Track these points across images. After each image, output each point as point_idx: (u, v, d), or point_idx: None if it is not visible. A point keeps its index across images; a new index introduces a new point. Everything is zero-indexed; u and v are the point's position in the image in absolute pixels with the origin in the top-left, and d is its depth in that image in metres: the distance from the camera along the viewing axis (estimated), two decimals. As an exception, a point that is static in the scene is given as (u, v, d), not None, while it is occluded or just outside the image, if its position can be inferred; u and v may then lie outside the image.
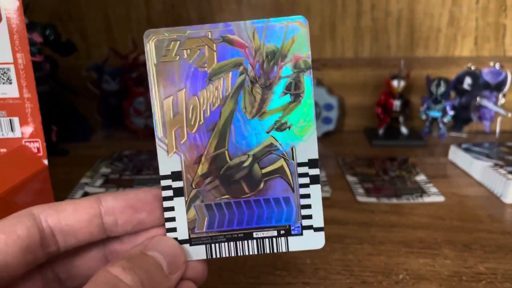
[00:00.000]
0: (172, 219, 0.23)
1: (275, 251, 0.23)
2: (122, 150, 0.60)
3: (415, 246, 0.36)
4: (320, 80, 0.68)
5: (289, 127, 0.23)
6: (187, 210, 0.23)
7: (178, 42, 0.22)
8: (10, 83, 0.36)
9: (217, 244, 0.23)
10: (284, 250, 0.23)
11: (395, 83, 0.64)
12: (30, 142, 0.37)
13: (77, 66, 0.67)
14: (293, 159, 0.23)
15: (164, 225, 0.23)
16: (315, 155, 0.23)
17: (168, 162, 0.23)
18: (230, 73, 0.23)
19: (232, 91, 0.23)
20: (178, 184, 0.23)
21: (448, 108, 0.64)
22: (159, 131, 0.23)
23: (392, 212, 0.42)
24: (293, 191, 0.23)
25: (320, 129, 0.67)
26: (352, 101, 0.71)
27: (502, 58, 0.68)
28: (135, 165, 0.54)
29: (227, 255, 0.23)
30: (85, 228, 0.21)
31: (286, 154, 0.23)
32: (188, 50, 0.22)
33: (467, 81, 0.66)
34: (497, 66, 0.65)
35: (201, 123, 0.23)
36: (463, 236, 0.37)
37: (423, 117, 0.66)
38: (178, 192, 0.23)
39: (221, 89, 0.23)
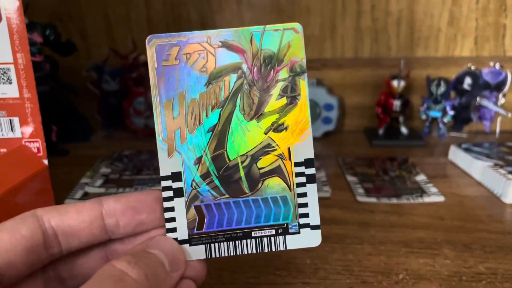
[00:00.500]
0: (172, 219, 0.23)
1: (273, 249, 0.24)
2: (122, 150, 0.60)
3: (415, 246, 0.36)
4: (320, 80, 0.68)
5: (285, 128, 0.24)
6: (187, 210, 0.23)
7: (179, 47, 0.23)
8: (10, 83, 0.36)
9: (216, 244, 0.24)
10: (282, 248, 0.24)
11: (395, 83, 0.64)
12: (30, 142, 0.37)
13: (77, 66, 0.67)
14: (290, 159, 0.24)
15: (164, 226, 0.23)
16: (311, 154, 0.24)
17: (168, 163, 0.23)
18: (229, 77, 0.23)
19: (231, 94, 0.23)
20: (178, 184, 0.23)
21: (448, 108, 0.64)
22: (159, 133, 0.23)
23: (392, 212, 0.42)
24: (290, 190, 0.24)
25: (320, 129, 0.67)
26: (352, 101, 0.71)
27: (502, 58, 0.68)
28: (135, 165, 0.54)
29: (226, 255, 0.24)
30: (87, 230, 0.22)
31: (283, 154, 0.24)
32: (188, 54, 0.23)
33: (467, 81, 0.66)
34: (497, 66, 0.65)
35: (200, 125, 0.23)
36: (463, 236, 0.37)
37: (423, 117, 0.66)
38: (178, 193, 0.23)
39: (220, 92, 0.23)
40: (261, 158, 0.24)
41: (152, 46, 0.23)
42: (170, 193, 0.23)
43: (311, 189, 0.24)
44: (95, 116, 0.69)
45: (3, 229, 0.20)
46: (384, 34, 0.69)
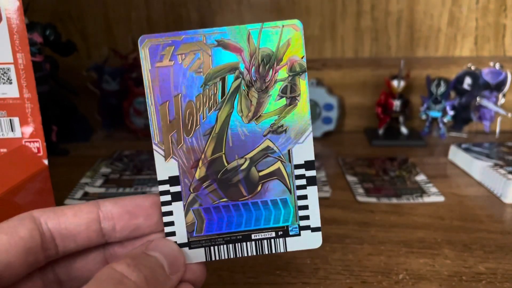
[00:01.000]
0: (171, 223, 0.23)
1: (273, 251, 0.24)
2: (122, 150, 0.60)
3: (415, 246, 0.36)
4: (320, 80, 0.68)
5: (285, 130, 0.23)
6: (186, 214, 0.23)
7: (173, 47, 0.22)
8: (10, 83, 0.36)
9: (216, 247, 0.23)
10: (282, 250, 0.24)
11: (395, 83, 0.64)
12: (30, 142, 0.37)
13: (77, 66, 0.67)
14: (289, 161, 0.23)
15: (162, 231, 0.23)
16: (311, 157, 0.23)
17: (165, 167, 0.23)
18: (226, 77, 0.22)
19: (228, 95, 0.23)
20: (176, 188, 0.23)
21: (448, 108, 0.64)
22: (156, 137, 0.23)
23: (392, 212, 0.42)
24: (290, 192, 0.23)
25: (320, 129, 0.67)
26: (352, 101, 0.71)
27: (502, 58, 0.68)
28: (135, 165, 0.54)
29: (226, 257, 0.23)
30: (84, 233, 0.22)
31: (282, 157, 0.23)
32: (183, 55, 0.22)
33: (467, 81, 0.66)
34: (497, 66, 0.65)
35: (197, 127, 0.23)
36: (463, 236, 0.37)
37: (423, 117, 0.66)
38: (176, 197, 0.23)
39: (217, 93, 0.23)
40: (260, 161, 0.23)
41: (145, 46, 0.22)
42: (168, 198, 0.23)
43: (312, 191, 0.23)
44: (95, 116, 0.69)
45: (1, 230, 0.20)
46: (384, 34, 0.69)
